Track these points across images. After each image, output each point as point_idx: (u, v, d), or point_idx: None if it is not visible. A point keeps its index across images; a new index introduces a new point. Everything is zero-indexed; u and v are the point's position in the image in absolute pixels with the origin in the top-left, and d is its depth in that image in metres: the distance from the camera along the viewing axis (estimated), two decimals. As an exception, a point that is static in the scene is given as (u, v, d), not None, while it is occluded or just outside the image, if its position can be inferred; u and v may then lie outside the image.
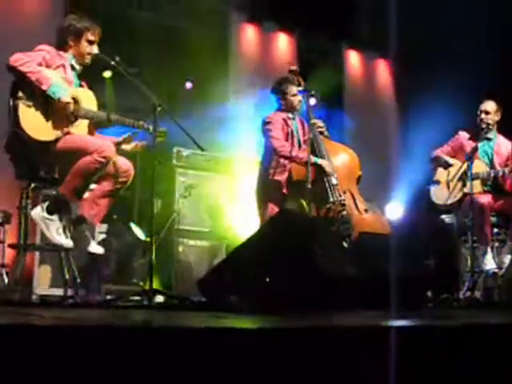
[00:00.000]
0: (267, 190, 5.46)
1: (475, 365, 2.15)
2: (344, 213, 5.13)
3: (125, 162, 4.26)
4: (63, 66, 4.26)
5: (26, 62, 3.97)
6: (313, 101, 5.35)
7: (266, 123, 5.46)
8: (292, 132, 5.53)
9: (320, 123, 5.45)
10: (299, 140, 5.56)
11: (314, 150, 5.30)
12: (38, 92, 4.00)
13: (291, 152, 5.32)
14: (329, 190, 5.21)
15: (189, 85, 7.67)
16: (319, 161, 5.22)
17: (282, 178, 5.42)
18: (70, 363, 1.33)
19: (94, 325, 1.69)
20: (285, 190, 5.41)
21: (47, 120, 4.06)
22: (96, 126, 4.38)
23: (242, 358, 1.66)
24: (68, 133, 4.12)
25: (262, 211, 5.43)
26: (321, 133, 5.45)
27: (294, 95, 5.54)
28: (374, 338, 2.03)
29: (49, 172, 4.27)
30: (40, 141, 4.02)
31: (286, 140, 5.46)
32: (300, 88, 5.42)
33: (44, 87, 3.97)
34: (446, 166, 6.01)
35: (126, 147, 4.40)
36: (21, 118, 3.99)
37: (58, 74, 4.16)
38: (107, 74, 6.11)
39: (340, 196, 5.20)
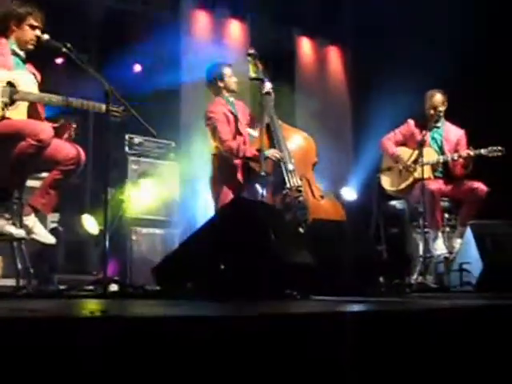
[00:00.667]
0: (222, 174, 5.45)
1: (426, 349, 2.19)
2: (301, 198, 5.16)
3: (72, 148, 4.17)
4: (1, 51, 4.17)
5: None
6: (268, 86, 5.35)
7: (209, 118, 5.44)
8: (236, 119, 5.51)
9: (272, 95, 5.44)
10: (241, 124, 5.54)
11: (271, 135, 5.32)
12: None
13: (241, 150, 5.31)
14: (285, 175, 5.22)
15: (138, 68, 7.58)
16: (269, 153, 5.20)
17: (237, 162, 5.42)
18: (27, 355, 1.31)
19: (52, 315, 1.67)
20: (239, 175, 5.41)
21: None
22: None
23: (200, 345, 1.65)
24: (4, 118, 4.01)
25: (217, 195, 5.42)
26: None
27: (230, 77, 5.55)
28: (328, 324, 2.04)
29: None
30: None
31: (231, 129, 5.44)
32: (252, 73, 5.41)
33: None
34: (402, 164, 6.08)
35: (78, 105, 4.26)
36: None
37: None
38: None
39: (297, 182, 5.22)
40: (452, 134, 6.21)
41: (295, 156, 5.35)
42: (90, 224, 6.24)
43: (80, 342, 1.37)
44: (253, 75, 5.41)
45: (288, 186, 5.20)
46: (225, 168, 5.44)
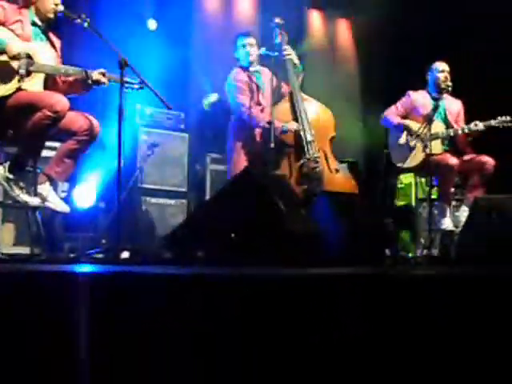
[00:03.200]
0: (239, 141, 5.52)
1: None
2: (317, 169, 5.24)
3: (86, 120, 4.23)
4: (21, 21, 4.22)
5: None
6: (291, 52, 5.46)
7: (229, 85, 5.53)
8: (258, 88, 5.58)
9: (299, 74, 5.52)
10: (262, 94, 5.61)
11: (293, 104, 5.40)
12: None
13: (256, 119, 5.38)
14: (304, 145, 5.30)
15: (153, 24, 7.53)
16: (288, 126, 5.30)
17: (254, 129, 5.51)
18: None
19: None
20: (257, 143, 5.49)
21: None
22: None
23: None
24: (20, 89, 4.08)
25: (232, 162, 5.51)
26: (297, 75, 5.52)
27: (249, 45, 5.61)
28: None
29: (6, 130, 4.24)
30: None
31: (251, 98, 5.51)
32: (277, 41, 5.51)
33: None
34: (412, 132, 6.06)
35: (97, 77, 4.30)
36: None
37: (8, 30, 4.11)
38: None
39: (315, 153, 5.30)
40: (453, 105, 6.19)
41: (314, 128, 5.41)
42: (82, 197, 6.27)
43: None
44: (278, 41, 5.51)
45: (306, 156, 5.28)
46: (242, 135, 5.52)
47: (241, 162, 5.42)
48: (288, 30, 5.76)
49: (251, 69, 5.65)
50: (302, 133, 5.33)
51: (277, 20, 5.67)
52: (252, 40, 5.68)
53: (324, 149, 5.43)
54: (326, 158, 5.40)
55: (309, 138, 5.33)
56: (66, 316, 1.74)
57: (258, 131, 5.50)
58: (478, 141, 5.98)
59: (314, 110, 5.57)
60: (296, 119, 5.41)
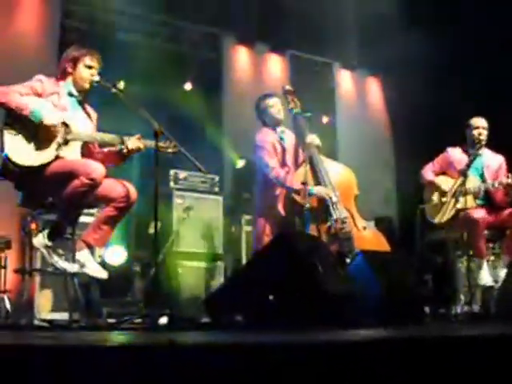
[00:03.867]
0: (263, 204, 5.53)
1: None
2: (346, 229, 5.22)
3: (124, 187, 4.30)
4: (57, 93, 4.33)
5: (5, 92, 4.07)
6: (303, 120, 5.50)
7: (258, 147, 5.55)
8: (284, 150, 5.61)
9: (317, 140, 5.53)
10: (287, 155, 5.65)
11: (314, 168, 5.42)
12: (23, 119, 4.07)
13: (284, 179, 5.39)
14: (330, 207, 5.30)
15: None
16: (316, 191, 5.32)
17: (279, 193, 5.51)
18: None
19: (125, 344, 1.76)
20: (280, 206, 5.48)
21: (34, 145, 4.11)
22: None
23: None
24: (58, 157, 4.17)
25: (256, 225, 5.51)
26: (317, 148, 5.55)
27: (274, 107, 5.66)
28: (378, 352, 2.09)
29: (45, 198, 4.32)
30: (25, 166, 4.06)
31: (279, 159, 5.54)
32: (290, 107, 5.57)
33: (24, 112, 4.06)
34: (440, 191, 6.09)
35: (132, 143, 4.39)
36: (5, 144, 4.06)
37: (47, 101, 4.22)
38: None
39: (341, 213, 5.30)
40: (492, 160, 6.18)
41: (337, 188, 5.42)
42: (115, 255, 6.32)
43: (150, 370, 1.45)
44: (290, 107, 5.57)
45: (333, 217, 5.28)
46: (266, 198, 5.52)
47: (265, 225, 5.41)
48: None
49: (278, 129, 5.68)
50: (328, 195, 5.34)
51: (286, 87, 5.73)
52: (277, 101, 5.73)
53: (349, 208, 5.43)
54: (353, 217, 5.40)
55: (334, 199, 5.34)
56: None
57: (282, 194, 5.48)
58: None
59: (335, 170, 5.58)
60: (319, 183, 5.42)
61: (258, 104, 5.75)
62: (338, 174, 5.58)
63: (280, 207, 5.48)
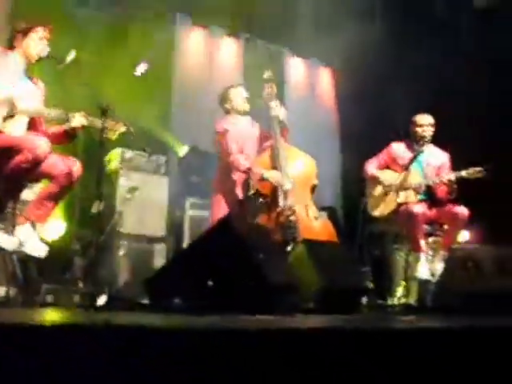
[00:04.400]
0: (222, 187, 5.58)
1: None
2: (292, 218, 5.26)
3: (67, 163, 4.25)
4: (4, 65, 4.25)
5: None
6: (274, 106, 5.55)
7: (218, 133, 5.62)
8: (244, 139, 5.66)
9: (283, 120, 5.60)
10: (251, 146, 5.70)
11: (273, 157, 5.48)
12: None
13: (240, 162, 5.46)
14: (280, 195, 5.35)
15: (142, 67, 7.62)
16: (267, 175, 5.37)
17: (237, 177, 5.57)
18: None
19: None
20: (238, 190, 5.54)
21: None
22: None
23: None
24: (1, 131, 4.07)
25: (213, 207, 5.57)
26: (281, 129, 5.60)
27: (236, 97, 5.71)
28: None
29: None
30: None
31: (239, 146, 5.59)
32: (264, 95, 5.61)
33: None
34: (384, 186, 6.20)
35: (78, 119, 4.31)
36: None
37: None
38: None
39: (290, 202, 5.34)
40: (435, 157, 6.28)
41: (295, 177, 5.47)
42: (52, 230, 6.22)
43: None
44: (264, 95, 5.61)
45: (281, 204, 5.32)
46: (225, 183, 5.57)
47: (222, 208, 5.47)
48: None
49: (241, 118, 5.74)
50: (279, 181, 5.39)
51: (266, 75, 5.77)
52: (242, 90, 5.80)
53: (305, 197, 5.48)
54: (306, 206, 5.44)
55: (286, 187, 5.38)
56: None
57: (239, 180, 5.55)
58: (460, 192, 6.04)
59: (297, 159, 5.64)
60: (275, 169, 5.47)
61: (221, 94, 5.81)
62: (298, 162, 5.63)
63: (238, 192, 5.53)
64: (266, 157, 5.51)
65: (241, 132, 5.66)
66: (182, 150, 7.50)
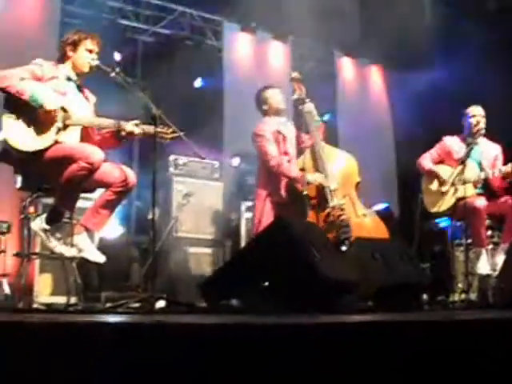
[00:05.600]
0: (266, 190, 5.53)
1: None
2: (343, 217, 5.23)
3: (122, 171, 4.30)
4: (57, 77, 4.32)
5: (6, 77, 4.06)
6: (311, 106, 5.52)
7: (256, 135, 5.56)
8: (284, 139, 5.62)
9: (320, 126, 5.58)
10: (288, 145, 5.67)
11: (314, 155, 5.45)
12: (23, 103, 4.06)
13: (284, 167, 5.42)
14: (328, 194, 5.32)
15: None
16: (311, 178, 5.34)
17: (281, 179, 5.54)
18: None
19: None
20: (283, 192, 5.51)
21: (34, 130, 4.11)
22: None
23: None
24: (57, 142, 4.16)
25: (259, 211, 5.52)
26: (318, 127, 5.57)
27: (273, 98, 5.68)
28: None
29: (44, 182, 4.33)
30: (24, 151, 4.07)
31: (280, 148, 5.56)
32: (296, 96, 5.58)
33: (24, 97, 4.04)
34: (439, 180, 6.11)
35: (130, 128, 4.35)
36: (5, 129, 4.07)
37: (47, 86, 4.21)
38: None
39: (339, 201, 5.31)
40: (490, 149, 6.18)
41: (338, 176, 5.44)
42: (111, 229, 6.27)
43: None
44: (296, 96, 5.57)
45: (331, 204, 5.29)
46: (268, 185, 5.53)
47: (266, 211, 5.43)
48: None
49: (278, 119, 5.69)
50: (324, 183, 5.36)
51: (293, 75, 5.74)
52: (277, 91, 5.75)
53: (350, 195, 5.44)
54: (353, 204, 5.41)
55: (332, 186, 5.35)
56: (100, 367, 1.74)
57: (284, 181, 5.51)
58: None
59: (337, 157, 5.61)
60: (318, 170, 5.44)
61: (258, 95, 5.78)
62: (339, 161, 5.60)
63: (282, 193, 5.50)
64: (307, 158, 5.46)
65: (280, 133, 5.62)
66: (234, 162, 7.51)
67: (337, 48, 9.47)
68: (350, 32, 8.94)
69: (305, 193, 5.13)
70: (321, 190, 5.36)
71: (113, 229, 6.40)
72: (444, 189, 6.04)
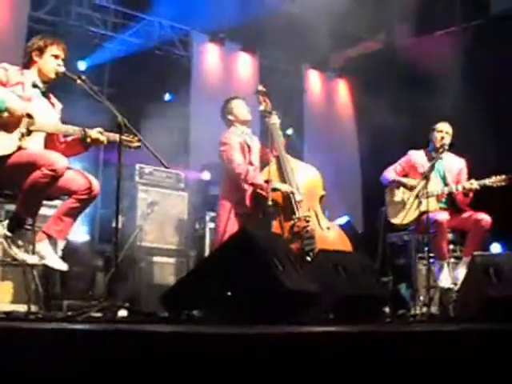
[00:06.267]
0: (231, 199, 5.54)
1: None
2: (308, 228, 5.27)
3: (86, 179, 4.26)
4: (22, 83, 4.27)
5: None
6: (275, 119, 5.56)
7: (222, 144, 5.58)
8: (250, 150, 5.65)
9: (286, 138, 5.63)
10: (253, 156, 5.69)
11: (280, 166, 5.48)
12: None
13: (250, 177, 5.43)
14: (294, 205, 5.35)
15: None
16: (278, 185, 5.37)
17: (246, 188, 5.54)
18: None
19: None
20: (248, 202, 5.51)
21: None
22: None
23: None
24: (20, 148, 4.11)
25: (222, 219, 5.52)
26: (284, 140, 5.63)
27: (239, 108, 5.71)
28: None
29: (6, 188, 4.27)
30: None
31: (244, 158, 5.58)
32: (261, 108, 5.62)
33: None
34: (407, 187, 6.17)
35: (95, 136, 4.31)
36: None
37: (11, 91, 4.18)
38: None
39: (304, 212, 5.35)
40: (454, 164, 6.28)
41: (303, 188, 5.48)
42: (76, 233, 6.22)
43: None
44: (262, 108, 5.61)
45: (296, 215, 5.32)
46: (233, 194, 5.55)
47: (230, 221, 5.44)
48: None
49: (244, 130, 5.73)
50: (290, 193, 5.39)
51: (259, 88, 5.79)
52: (242, 102, 5.80)
53: (314, 208, 5.50)
54: (317, 217, 5.45)
55: (298, 197, 5.39)
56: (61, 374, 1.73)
57: (248, 192, 5.52)
58: (479, 199, 6.02)
59: (302, 170, 5.66)
60: (284, 181, 5.48)
61: (223, 106, 5.81)
62: (305, 174, 5.65)
63: (246, 204, 5.51)
64: (273, 169, 5.48)
65: (246, 143, 5.65)
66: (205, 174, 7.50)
67: (304, 61, 9.53)
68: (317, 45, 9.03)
69: (270, 203, 5.13)
70: (287, 199, 5.39)
71: (78, 236, 6.35)
72: (406, 200, 6.10)
